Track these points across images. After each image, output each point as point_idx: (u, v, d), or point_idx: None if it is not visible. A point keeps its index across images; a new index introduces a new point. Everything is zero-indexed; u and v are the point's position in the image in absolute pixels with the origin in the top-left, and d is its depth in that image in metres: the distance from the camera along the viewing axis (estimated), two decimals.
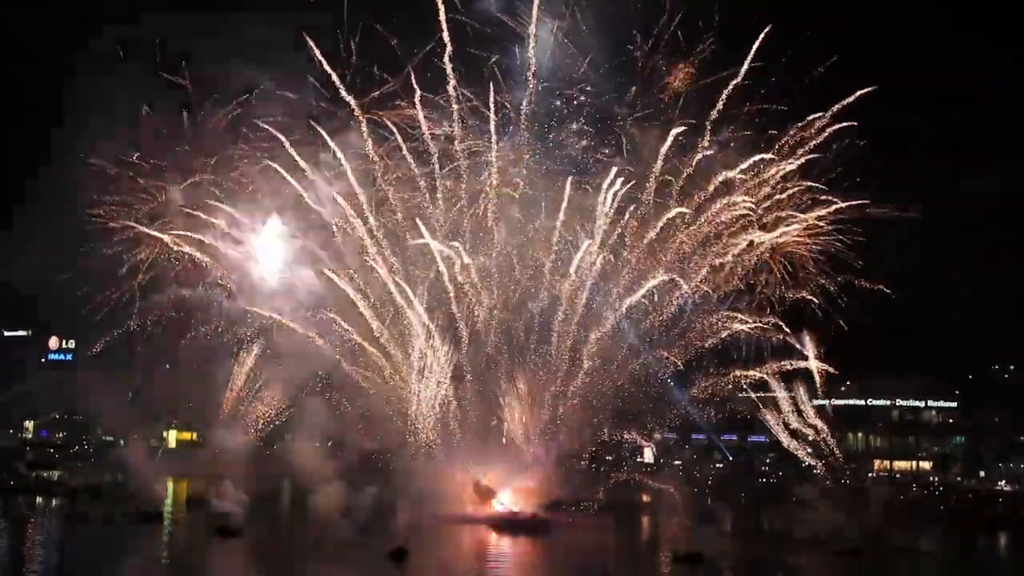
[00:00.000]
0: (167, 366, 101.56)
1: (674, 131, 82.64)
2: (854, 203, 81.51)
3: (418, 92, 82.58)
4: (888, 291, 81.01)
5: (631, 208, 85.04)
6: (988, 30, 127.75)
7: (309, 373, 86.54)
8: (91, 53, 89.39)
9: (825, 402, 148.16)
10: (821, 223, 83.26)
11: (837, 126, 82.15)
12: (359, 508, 77.49)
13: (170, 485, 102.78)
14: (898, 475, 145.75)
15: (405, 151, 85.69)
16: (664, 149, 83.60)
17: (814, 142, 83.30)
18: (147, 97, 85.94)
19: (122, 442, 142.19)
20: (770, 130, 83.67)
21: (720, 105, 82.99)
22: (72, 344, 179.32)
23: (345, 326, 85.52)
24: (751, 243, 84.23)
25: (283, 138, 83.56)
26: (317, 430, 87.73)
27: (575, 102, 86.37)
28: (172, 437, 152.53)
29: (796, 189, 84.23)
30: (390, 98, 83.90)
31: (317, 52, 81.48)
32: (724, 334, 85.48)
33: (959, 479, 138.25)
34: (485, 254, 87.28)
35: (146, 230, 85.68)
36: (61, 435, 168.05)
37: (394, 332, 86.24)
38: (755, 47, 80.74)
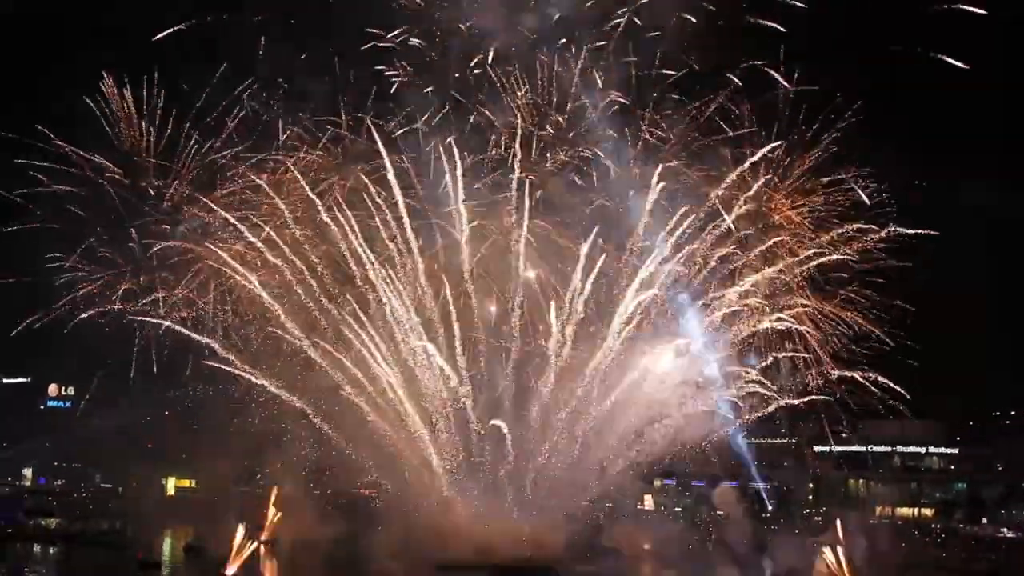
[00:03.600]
0: (165, 412, 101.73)
1: None
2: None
3: None
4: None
5: None
6: None
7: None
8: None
9: (827, 448, 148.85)
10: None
11: None
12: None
13: (169, 532, 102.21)
14: (900, 521, 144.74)
15: None
16: None
17: None
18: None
19: (120, 489, 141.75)
20: None
21: None
22: (71, 391, 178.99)
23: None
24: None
25: None
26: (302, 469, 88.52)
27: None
28: (171, 483, 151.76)
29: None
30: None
31: None
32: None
33: (961, 526, 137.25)
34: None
35: None
36: (60, 482, 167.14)
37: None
38: None
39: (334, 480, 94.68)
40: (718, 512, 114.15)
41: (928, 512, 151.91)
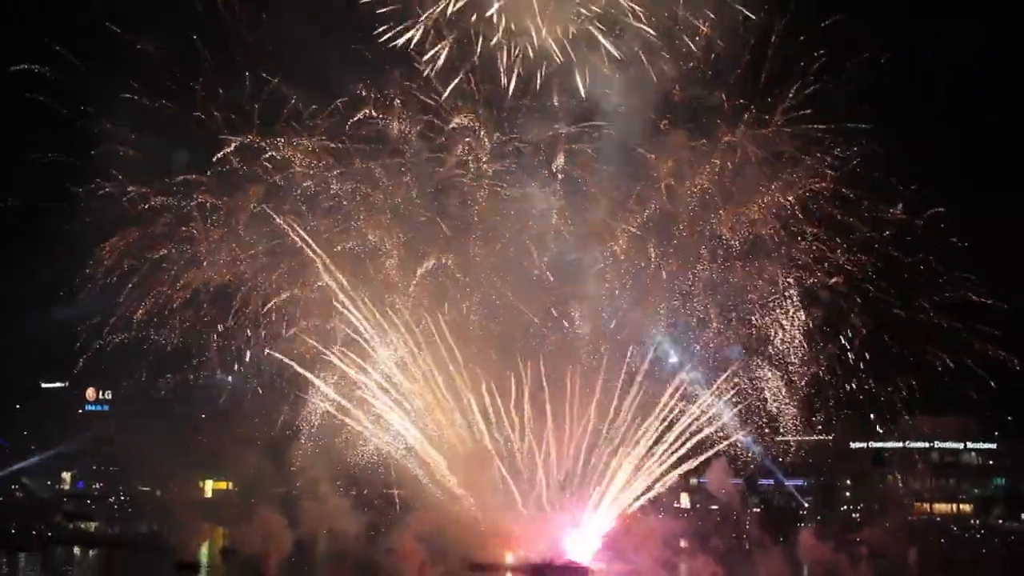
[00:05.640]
0: (203, 416, 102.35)
1: None
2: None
3: None
4: None
5: None
6: None
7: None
8: None
9: (863, 444, 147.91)
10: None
11: None
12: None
13: (207, 534, 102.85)
14: (938, 518, 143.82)
15: None
16: None
17: None
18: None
19: (158, 492, 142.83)
20: None
21: None
22: (109, 395, 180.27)
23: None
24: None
25: None
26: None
27: None
28: (208, 486, 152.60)
29: None
30: None
31: None
32: None
33: (1000, 521, 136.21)
34: None
35: None
36: (98, 486, 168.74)
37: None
38: None
39: (367, 481, 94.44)
40: (754, 509, 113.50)
41: (967, 508, 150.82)
